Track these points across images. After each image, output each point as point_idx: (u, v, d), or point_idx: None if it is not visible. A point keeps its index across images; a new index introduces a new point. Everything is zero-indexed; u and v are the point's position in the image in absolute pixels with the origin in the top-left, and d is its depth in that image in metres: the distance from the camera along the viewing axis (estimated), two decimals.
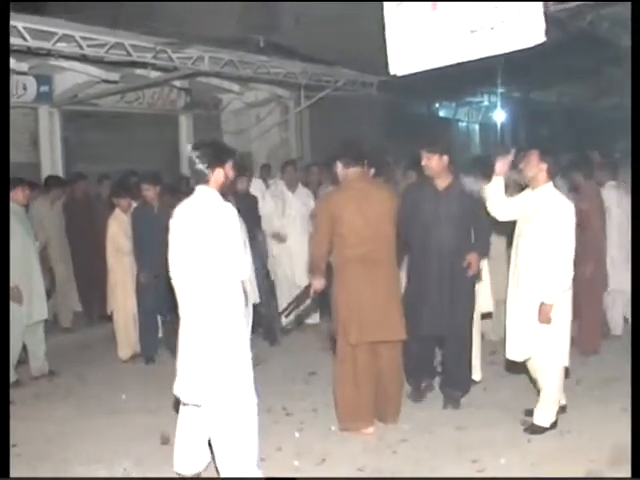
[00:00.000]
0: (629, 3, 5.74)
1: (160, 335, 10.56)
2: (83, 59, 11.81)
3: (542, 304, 6.65)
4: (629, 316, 10.04)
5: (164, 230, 9.97)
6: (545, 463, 6.26)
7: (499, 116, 25.28)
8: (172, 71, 13.00)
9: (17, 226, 8.96)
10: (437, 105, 24.63)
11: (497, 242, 8.72)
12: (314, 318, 11.51)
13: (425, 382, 8.06)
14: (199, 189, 5.78)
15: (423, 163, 7.34)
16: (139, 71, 13.24)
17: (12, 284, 8.56)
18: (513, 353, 7.00)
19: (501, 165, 7.13)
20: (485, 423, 7.19)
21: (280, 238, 11.50)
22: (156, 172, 10.95)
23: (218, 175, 5.75)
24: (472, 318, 7.75)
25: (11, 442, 6.65)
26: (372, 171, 8.43)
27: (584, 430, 6.91)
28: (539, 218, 6.71)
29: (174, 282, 6.02)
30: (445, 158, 7.24)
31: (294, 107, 17.50)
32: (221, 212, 5.64)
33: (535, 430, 6.91)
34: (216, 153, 5.82)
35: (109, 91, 13.91)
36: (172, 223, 5.91)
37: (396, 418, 7.35)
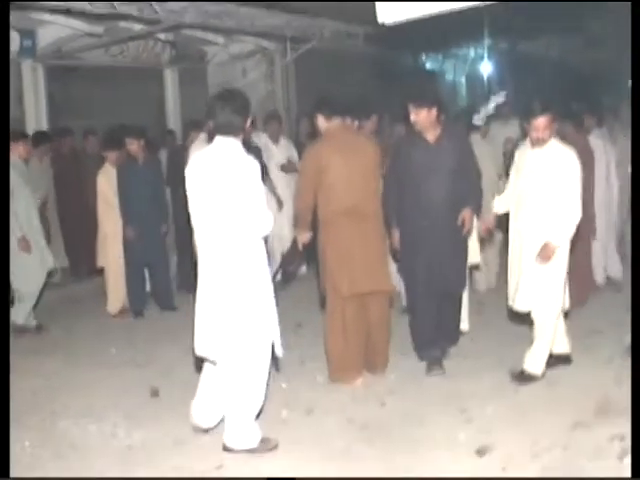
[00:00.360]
0: None
1: (148, 289, 10.58)
2: (67, 12, 11.69)
3: (547, 244, 6.68)
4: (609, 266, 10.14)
5: (149, 184, 10.05)
6: (532, 412, 6.30)
7: (486, 68, 25.14)
8: (156, 24, 12.88)
9: (19, 180, 9.16)
10: (424, 57, 24.48)
11: None
12: (301, 269, 11.51)
13: (437, 349, 7.60)
14: (221, 139, 5.65)
15: (412, 117, 7.18)
16: (123, 24, 13.11)
17: (19, 235, 9.04)
18: (521, 304, 7.03)
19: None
20: (472, 373, 7.23)
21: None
22: (140, 126, 10.90)
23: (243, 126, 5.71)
24: (466, 272, 7.76)
25: None
26: (356, 123, 8.42)
27: (571, 380, 6.95)
28: (548, 170, 6.70)
29: (196, 234, 5.80)
30: (434, 111, 7.09)
31: (280, 59, 17.38)
32: (245, 165, 5.55)
33: (525, 379, 6.95)
34: (243, 103, 5.75)
35: (93, 45, 13.78)
36: (190, 172, 5.73)
37: (384, 369, 7.40)
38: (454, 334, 7.81)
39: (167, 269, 10.72)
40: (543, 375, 7.01)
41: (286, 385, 7.23)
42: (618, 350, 7.54)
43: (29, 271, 9.33)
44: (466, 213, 7.16)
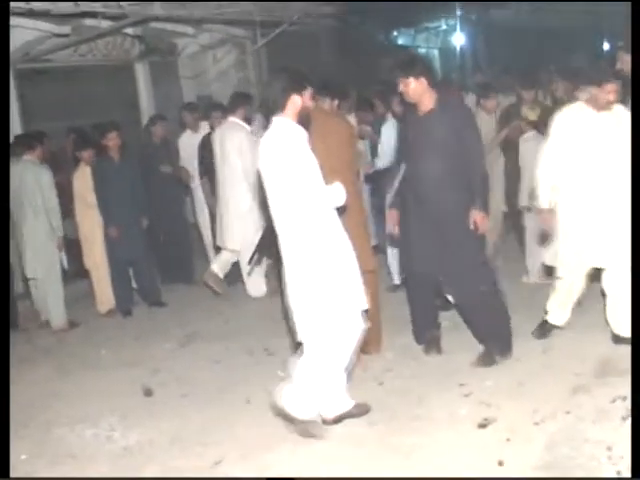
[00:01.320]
0: None
1: (134, 286, 10.51)
2: (31, 14, 11.55)
3: None
4: None
5: (127, 179, 9.97)
6: (531, 382, 6.24)
7: (458, 40, 25.10)
8: (123, 19, 12.75)
9: (51, 181, 9.77)
10: (395, 33, 24.40)
11: None
12: None
13: (430, 332, 7.43)
14: (275, 120, 5.54)
15: (400, 89, 6.74)
16: (90, 22, 12.96)
17: (60, 234, 9.81)
18: (605, 261, 6.77)
19: None
20: (469, 347, 7.12)
21: None
22: (114, 120, 10.89)
23: (294, 102, 5.52)
24: (475, 260, 6.91)
25: None
26: (335, 103, 8.33)
27: (565, 345, 6.90)
28: (622, 132, 6.53)
29: (276, 226, 5.66)
30: (423, 80, 6.59)
31: (251, 46, 17.27)
32: (297, 141, 5.44)
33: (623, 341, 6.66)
34: (293, 79, 5.57)
35: (61, 45, 13.62)
36: (263, 158, 5.57)
37: (378, 348, 7.32)
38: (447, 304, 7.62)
39: (151, 265, 10.65)
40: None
41: (282, 373, 7.14)
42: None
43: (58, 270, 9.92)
44: (477, 216, 6.53)
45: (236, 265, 10.14)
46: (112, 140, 10.00)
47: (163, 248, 11.19)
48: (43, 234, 9.59)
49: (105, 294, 10.32)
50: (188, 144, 11.44)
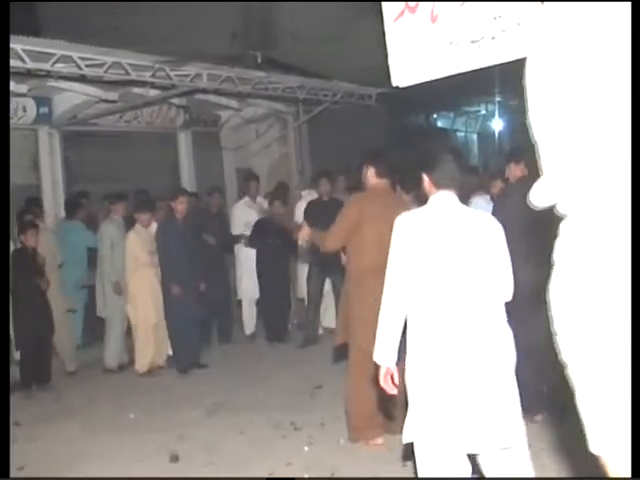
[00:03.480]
0: None
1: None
2: (82, 79, 11.82)
3: None
4: None
5: (190, 243, 10.39)
6: None
7: (497, 125, 25.32)
8: (170, 89, 13.01)
9: (120, 234, 10.95)
10: (435, 116, 24.68)
11: None
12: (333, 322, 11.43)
13: None
14: (445, 194, 4.90)
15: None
16: (137, 90, 13.24)
17: (114, 279, 10.85)
18: None
19: None
20: None
21: None
22: (182, 188, 11.93)
23: None
24: None
25: (18, 464, 6.67)
26: (398, 186, 8.49)
27: None
28: None
29: (426, 301, 4.71)
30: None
31: (293, 122, 17.51)
32: (491, 222, 4.89)
33: None
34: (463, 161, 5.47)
35: (108, 111, 13.91)
36: (425, 232, 4.80)
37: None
38: None
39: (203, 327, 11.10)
40: None
41: (308, 448, 7.19)
42: None
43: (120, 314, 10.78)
44: None
45: None
46: (181, 204, 10.48)
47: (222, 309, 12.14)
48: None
49: (146, 354, 10.55)
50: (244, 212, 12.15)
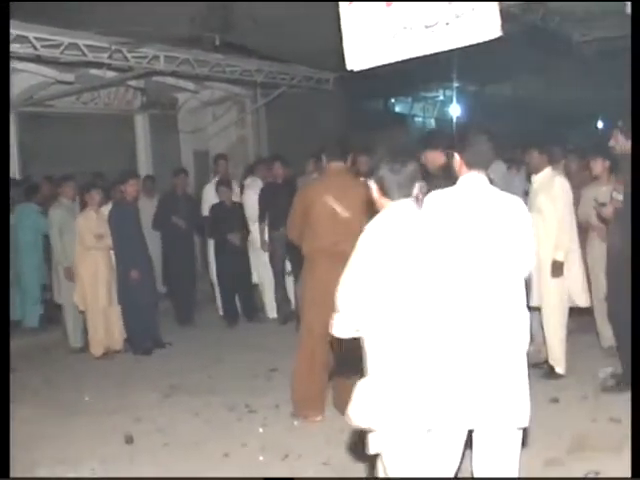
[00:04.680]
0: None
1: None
2: (37, 60, 11.75)
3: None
4: None
5: (140, 226, 10.61)
6: None
7: (455, 110, 25.38)
8: (127, 71, 12.97)
9: (69, 217, 10.77)
10: (393, 101, 24.72)
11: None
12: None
13: None
14: (475, 175, 4.78)
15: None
16: (94, 71, 13.17)
17: (66, 265, 10.71)
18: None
19: None
20: None
21: None
22: (132, 170, 12.18)
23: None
24: None
25: None
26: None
27: (543, 419, 6.98)
28: None
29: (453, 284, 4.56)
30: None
31: (250, 105, 17.53)
32: (515, 200, 4.84)
33: None
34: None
35: (65, 92, 13.83)
36: (453, 216, 4.66)
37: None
38: None
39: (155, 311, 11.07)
40: None
41: (262, 429, 7.23)
42: (591, 388, 7.61)
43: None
44: None
45: None
46: (131, 187, 10.47)
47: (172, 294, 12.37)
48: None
49: (98, 337, 10.47)
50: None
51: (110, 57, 11.52)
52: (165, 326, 11.34)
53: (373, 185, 4.57)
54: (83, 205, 10.90)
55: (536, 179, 8.07)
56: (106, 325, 10.47)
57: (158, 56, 12.17)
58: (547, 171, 8.07)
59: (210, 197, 12.19)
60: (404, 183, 4.44)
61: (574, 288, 8.10)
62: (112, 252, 10.50)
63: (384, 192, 4.47)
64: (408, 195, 4.43)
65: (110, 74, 13.36)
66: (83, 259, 10.36)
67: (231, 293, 12.11)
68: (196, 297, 12.70)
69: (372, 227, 4.45)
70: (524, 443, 4.76)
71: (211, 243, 12.41)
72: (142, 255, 10.50)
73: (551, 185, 7.86)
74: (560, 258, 7.83)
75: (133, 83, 15.07)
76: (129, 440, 7.15)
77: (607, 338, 8.62)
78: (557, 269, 7.84)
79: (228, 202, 11.78)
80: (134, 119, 16.48)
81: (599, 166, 8.62)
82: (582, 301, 8.28)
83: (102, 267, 10.40)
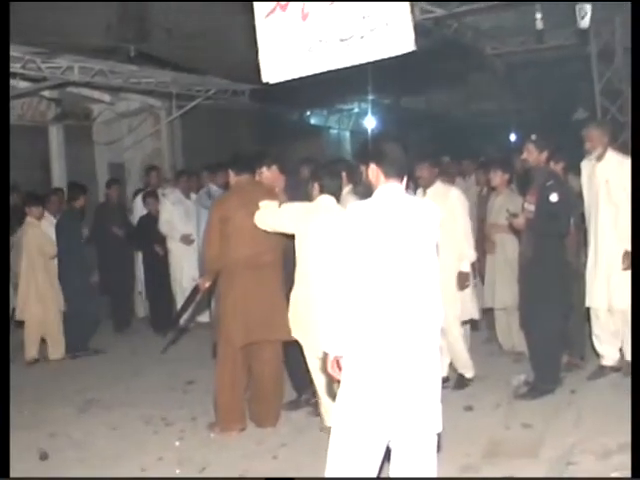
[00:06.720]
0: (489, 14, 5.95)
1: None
2: None
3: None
4: None
5: (81, 238, 11.11)
6: None
7: (370, 123, 25.51)
8: (41, 81, 12.82)
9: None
10: (308, 113, 24.76)
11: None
12: (205, 316, 11.77)
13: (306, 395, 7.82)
14: (394, 185, 4.80)
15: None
16: None
17: None
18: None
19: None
20: None
21: (189, 241, 12.27)
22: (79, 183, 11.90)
23: None
24: None
25: None
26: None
27: (456, 427, 7.06)
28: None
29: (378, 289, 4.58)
30: None
31: (166, 116, 17.44)
32: (432, 210, 4.90)
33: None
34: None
35: None
36: (376, 223, 4.64)
37: (275, 422, 7.42)
38: None
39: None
40: None
41: (179, 443, 7.19)
42: (504, 395, 7.74)
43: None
44: None
45: None
46: (81, 201, 11.07)
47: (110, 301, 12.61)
48: None
49: (34, 343, 10.70)
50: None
51: (23, 67, 11.39)
52: (103, 333, 11.60)
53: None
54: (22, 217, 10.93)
55: (429, 193, 8.15)
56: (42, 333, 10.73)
57: (72, 67, 12.06)
58: (438, 184, 8.26)
59: (140, 208, 12.62)
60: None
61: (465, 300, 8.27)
62: (54, 261, 10.76)
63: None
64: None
65: (23, 84, 13.19)
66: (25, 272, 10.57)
67: (156, 302, 12.34)
68: (134, 304, 13.11)
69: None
70: (439, 449, 4.80)
71: (139, 253, 12.79)
72: (77, 265, 10.82)
73: (446, 197, 8.00)
74: (465, 269, 8.01)
75: (47, 94, 14.90)
76: (44, 456, 7.03)
77: (507, 344, 9.28)
78: (463, 280, 8.01)
79: (155, 213, 12.16)
80: (48, 130, 16.24)
81: (498, 178, 9.14)
82: (474, 313, 8.56)
83: (40, 279, 10.60)
